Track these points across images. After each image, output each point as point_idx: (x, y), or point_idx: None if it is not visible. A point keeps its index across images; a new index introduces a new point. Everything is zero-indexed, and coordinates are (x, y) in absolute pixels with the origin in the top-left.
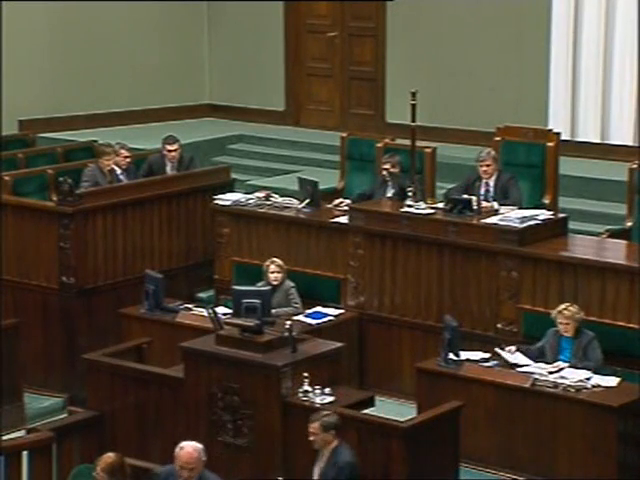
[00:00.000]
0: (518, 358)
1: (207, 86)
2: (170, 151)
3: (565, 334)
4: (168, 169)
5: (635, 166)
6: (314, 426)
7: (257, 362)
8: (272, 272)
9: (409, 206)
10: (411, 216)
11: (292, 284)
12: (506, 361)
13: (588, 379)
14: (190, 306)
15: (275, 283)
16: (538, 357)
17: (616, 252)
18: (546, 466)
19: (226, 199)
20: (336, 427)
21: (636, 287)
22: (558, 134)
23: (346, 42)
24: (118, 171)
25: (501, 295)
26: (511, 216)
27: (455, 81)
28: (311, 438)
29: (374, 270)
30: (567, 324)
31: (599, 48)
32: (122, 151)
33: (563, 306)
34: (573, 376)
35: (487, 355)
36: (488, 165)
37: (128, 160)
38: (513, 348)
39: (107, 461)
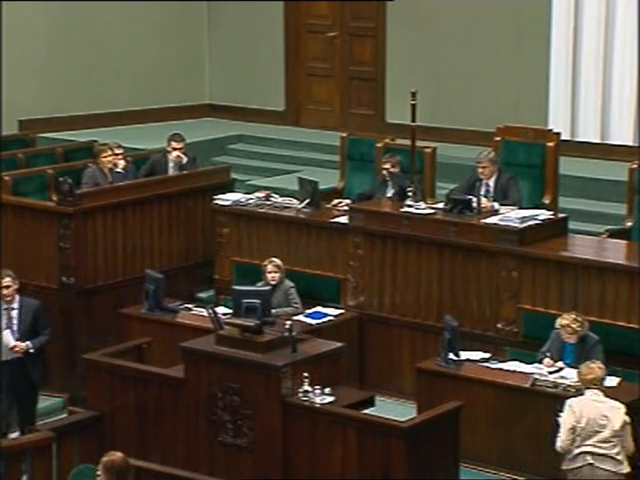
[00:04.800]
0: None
1: (207, 86)
2: (175, 149)
3: (568, 341)
4: (170, 170)
5: (635, 166)
6: None
7: (257, 362)
8: (269, 272)
9: (409, 206)
10: (411, 216)
11: (292, 284)
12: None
13: None
14: (190, 306)
15: (273, 283)
16: None
17: (616, 252)
18: (546, 466)
19: (226, 199)
20: None
21: (636, 287)
22: (558, 134)
23: (346, 42)
24: (117, 169)
25: (501, 295)
26: (511, 216)
27: (455, 81)
28: None
29: (374, 270)
30: (570, 336)
31: (599, 48)
32: (114, 150)
33: (567, 320)
34: (573, 376)
35: (487, 355)
36: (485, 167)
37: (122, 159)
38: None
39: (110, 458)
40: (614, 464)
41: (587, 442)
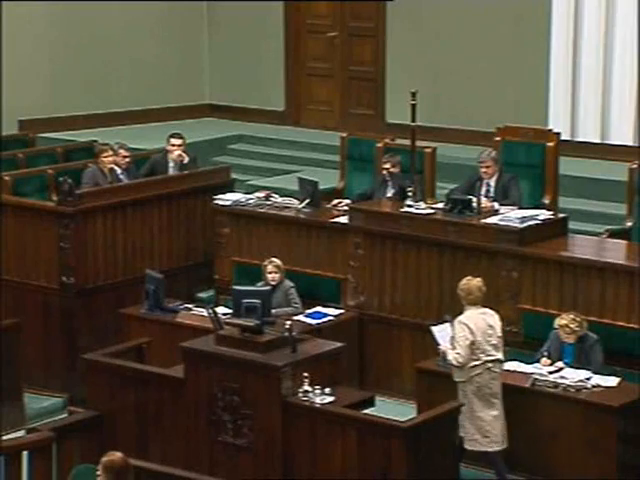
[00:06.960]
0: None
1: (207, 86)
2: (174, 145)
3: (567, 340)
4: (171, 170)
5: (635, 166)
6: None
7: (257, 362)
8: (269, 272)
9: (409, 206)
10: (411, 216)
11: (291, 284)
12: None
13: (588, 379)
14: (190, 306)
15: (273, 283)
16: None
17: (616, 252)
18: (546, 466)
19: (226, 199)
20: None
21: (636, 287)
22: (558, 134)
23: (346, 42)
24: (118, 171)
25: (501, 295)
26: (511, 216)
27: (455, 81)
28: None
29: (374, 270)
30: (569, 336)
31: (599, 48)
32: (121, 151)
33: (565, 320)
34: (573, 376)
35: None
36: (488, 166)
37: (127, 160)
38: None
39: (110, 458)
40: (500, 365)
41: (486, 352)
